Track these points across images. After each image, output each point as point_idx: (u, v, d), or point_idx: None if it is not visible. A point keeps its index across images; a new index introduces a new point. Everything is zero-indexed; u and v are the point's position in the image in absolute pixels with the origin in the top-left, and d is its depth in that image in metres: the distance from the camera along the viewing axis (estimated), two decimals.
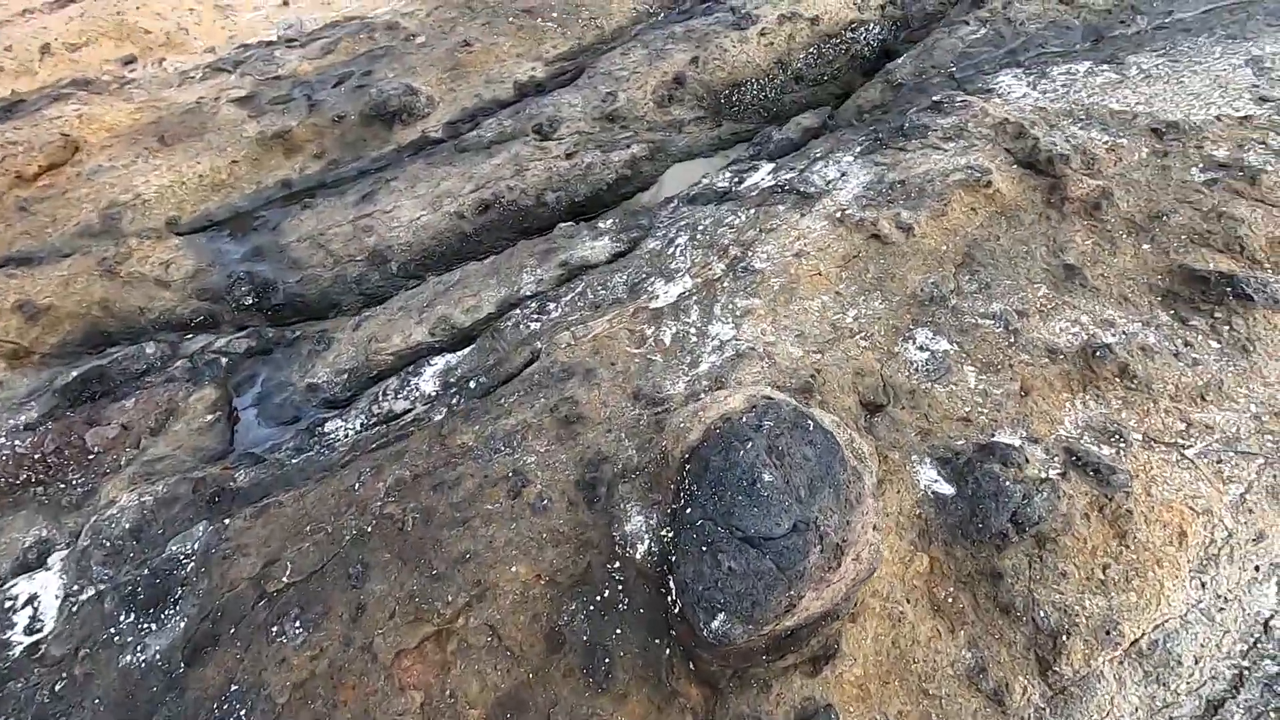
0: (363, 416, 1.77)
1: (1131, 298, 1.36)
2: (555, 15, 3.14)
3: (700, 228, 1.76)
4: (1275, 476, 1.14)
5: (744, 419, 1.09)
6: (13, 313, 2.47)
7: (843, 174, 1.66)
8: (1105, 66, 1.78)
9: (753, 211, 1.70)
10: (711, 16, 2.82)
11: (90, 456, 1.96)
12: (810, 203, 1.63)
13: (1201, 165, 1.46)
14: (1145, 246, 1.42)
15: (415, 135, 2.89)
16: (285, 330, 2.42)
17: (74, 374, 2.32)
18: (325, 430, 1.79)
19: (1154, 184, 1.49)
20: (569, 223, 2.22)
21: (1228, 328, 1.27)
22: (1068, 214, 1.49)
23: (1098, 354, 1.27)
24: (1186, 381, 1.23)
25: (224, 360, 2.33)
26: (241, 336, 2.38)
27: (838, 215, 1.59)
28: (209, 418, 1.98)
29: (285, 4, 3.86)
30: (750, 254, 1.59)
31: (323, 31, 3.51)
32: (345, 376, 1.94)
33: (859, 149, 1.77)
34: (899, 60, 2.19)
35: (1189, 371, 1.23)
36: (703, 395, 1.32)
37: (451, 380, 1.72)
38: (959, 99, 1.73)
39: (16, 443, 2.06)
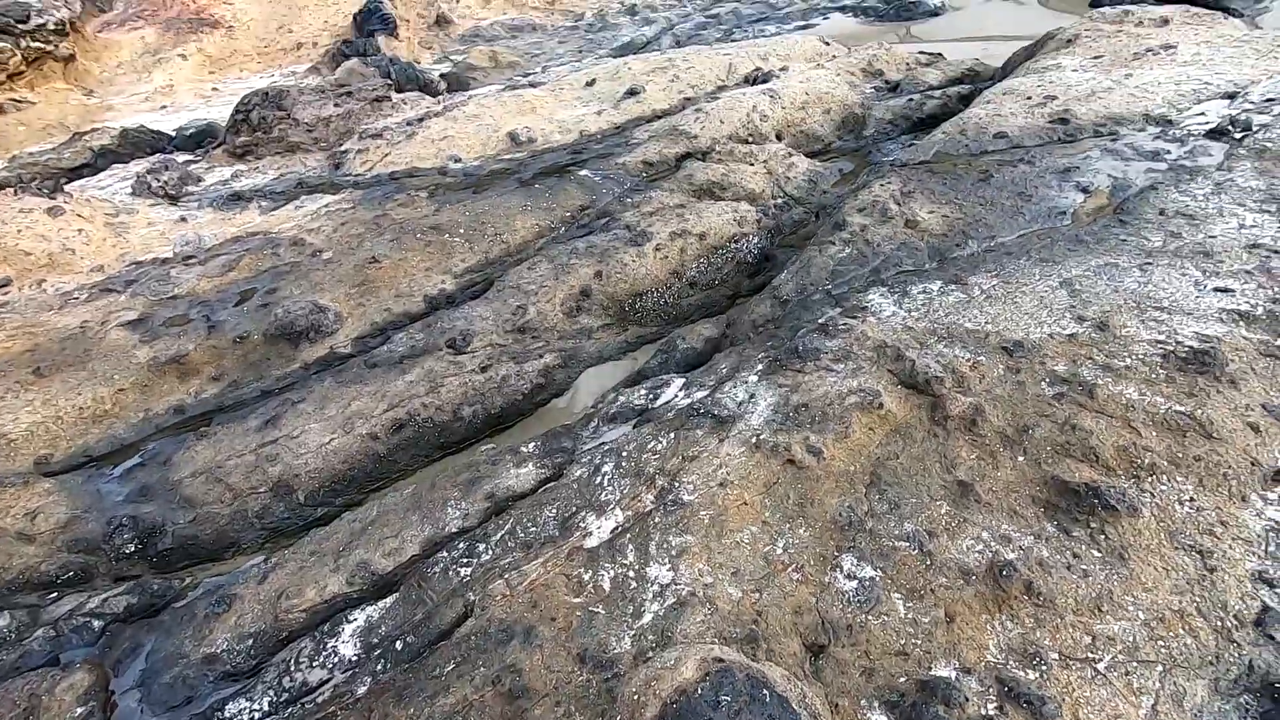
0: (271, 692, 1.59)
1: (1020, 511, 1.52)
2: (462, 231, 3.34)
3: (624, 453, 1.82)
4: (1175, 683, 1.25)
5: (699, 692, 1.09)
6: None
7: (751, 396, 1.80)
8: (953, 286, 2.08)
9: (673, 436, 1.79)
10: (610, 233, 3.10)
11: None
12: (726, 427, 1.74)
13: (1048, 380, 1.71)
14: (1020, 459, 1.61)
15: (323, 352, 2.88)
16: (174, 580, 2.19)
17: None
18: (226, 715, 1.58)
19: (1015, 399, 1.71)
20: (490, 445, 2.23)
21: (1104, 537, 1.44)
22: (951, 430, 1.67)
23: (1003, 572, 1.39)
24: (1083, 594, 1.35)
25: (97, 625, 2.06)
26: (120, 592, 2.13)
27: (753, 441, 1.70)
28: (79, 711, 1.71)
29: (183, 220, 3.88)
30: (677, 484, 1.66)
31: (223, 248, 3.53)
32: (250, 642, 1.76)
33: (760, 367, 1.94)
34: (782, 276, 2.47)
35: (1082, 584, 1.36)
36: (650, 654, 1.31)
37: (375, 641, 1.60)
38: (842, 322, 1.96)
39: None
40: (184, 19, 8.24)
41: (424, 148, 4.34)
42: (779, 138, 3.98)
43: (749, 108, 3.98)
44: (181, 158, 5.08)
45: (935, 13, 6.92)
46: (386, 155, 4.38)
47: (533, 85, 5.22)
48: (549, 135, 4.33)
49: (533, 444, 2.06)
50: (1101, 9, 4.19)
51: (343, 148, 4.62)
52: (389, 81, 5.47)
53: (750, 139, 3.87)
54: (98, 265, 3.47)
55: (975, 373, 1.74)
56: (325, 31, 8.56)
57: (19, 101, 6.18)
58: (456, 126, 4.49)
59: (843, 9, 7.82)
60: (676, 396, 2.02)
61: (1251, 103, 2.81)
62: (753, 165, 3.54)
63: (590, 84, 4.88)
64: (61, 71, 6.88)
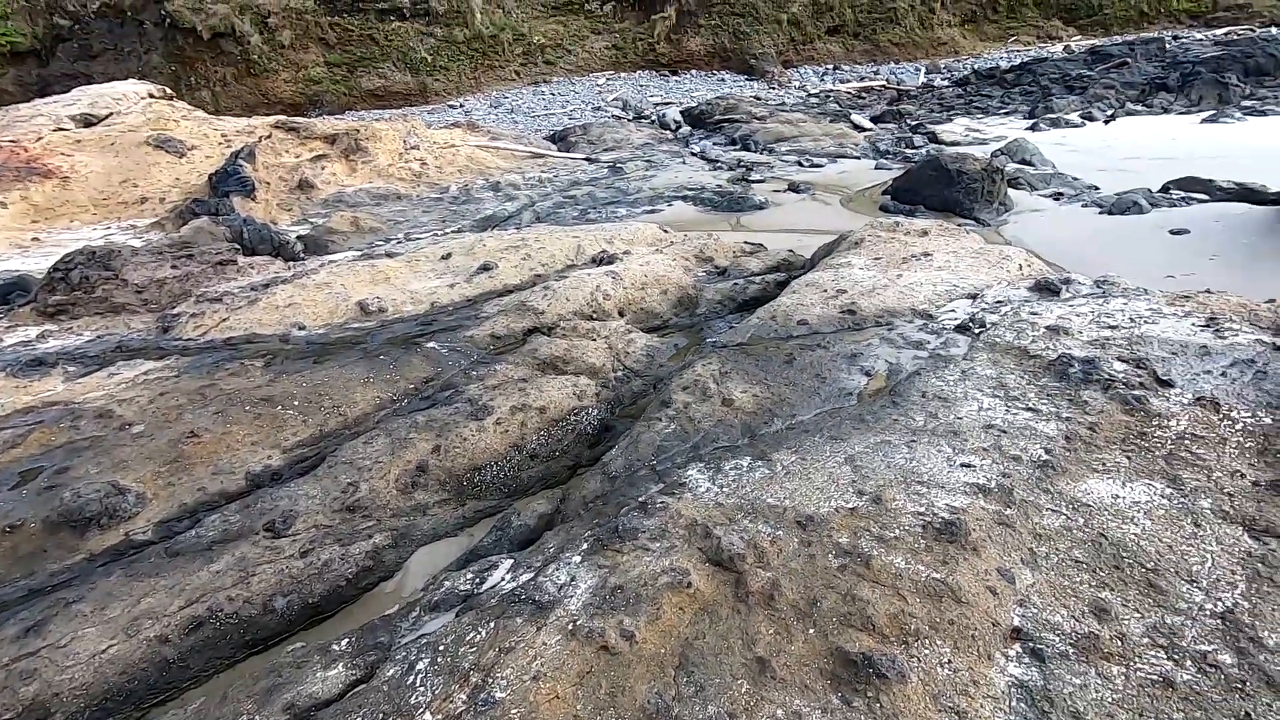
0: None
1: (810, 685, 1.63)
2: (297, 403, 3.26)
3: (441, 647, 1.78)
4: None
5: None
6: None
7: (572, 579, 1.85)
8: (760, 463, 2.31)
9: (492, 625, 1.77)
10: (451, 406, 3.16)
11: None
12: (545, 614, 1.76)
13: (834, 553, 1.91)
14: (811, 631, 1.75)
15: (116, 540, 2.60)
16: None
17: None
18: None
19: (807, 572, 1.89)
20: (300, 644, 2.07)
21: (879, 705, 1.57)
22: (752, 605, 1.80)
23: None
24: None
25: None
26: None
27: (569, 628, 1.73)
28: None
29: None
30: (490, 680, 1.63)
31: (10, 420, 3.19)
32: None
33: (585, 547, 2.00)
34: (613, 453, 2.61)
35: None
36: None
37: None
38: (660, 500, 2.10)
39: None
40: (11, 166, 7.83)
41: (267, 314, 4.28)
42: (621, 314, 4.34)
43: (593, 286, 4.35)
44: None
45: (761, 207, 8.05)
46: (224, 320, 4.26)
47: (389, 255, 5.40)
48: (400, 306, 4.44)
49: (345, 640, 1.95)
50: (881, 219, 5.12)
51: (174, 310, 4.45)
52: (235, 245, 5.44)
53: (594, 315, 4.19)
54: None
55: (774, 547, 1.92)
56: (175, 188, 8.44)
57: None
58: (305, 294, 4.49)
59: (684, 198, 8.90)
60: (503, 580, 2.03)
61: (986, 303, 3.48)
62: (595, 341, 3.81)
63: (446, 257, 5.13)
64: None
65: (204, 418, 3.15)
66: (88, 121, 9.14)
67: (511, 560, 2.16)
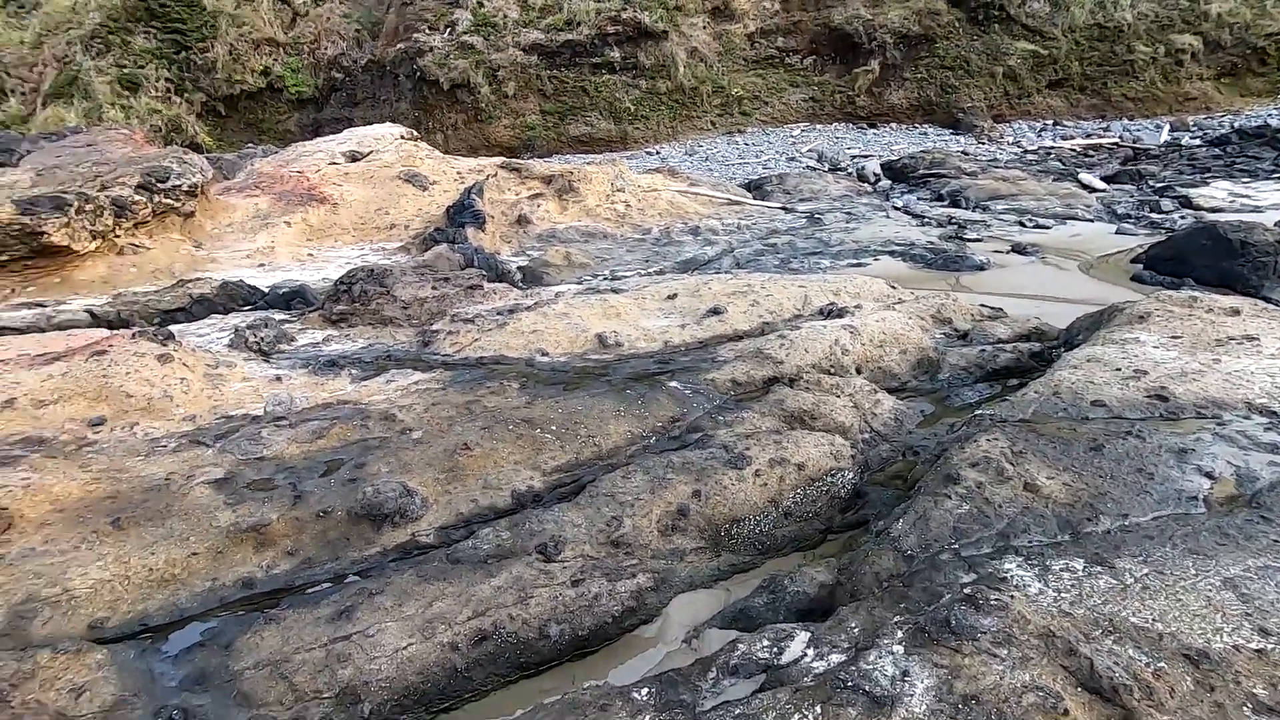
0: None
1: None
2: (554, 428, 3.37)
3: None
4: None
5: None
6: None
7: (904, 673, 1.65)
8: (1099, 569, 1.98)
9: (819, 710, 1.61)
10: (706, 450, 3.09)
11: None
12: (883, 710, 1.57)
13: (1250, 706, 1.56)
14: None
15: (404, 538, 2.78)
16: None
17: None
18: None
19: None
20: (592, 683, 2.05)
21: None
22: None
23: None
24: None
25: None
26: None
27: None
28: None
29: (278, 379, 3.98)
30: None
31: (314, 413, 3.58)
32: None
33: (903, 636, 1.80)
34: (900, 527, 2.39)
35: None
36: None
37: None
38: (991, 596, 1.85)
39: None
40: (296, 193, 9.18)
41: (514, 338, 4.55)
42: (858, 372, 4.12)
43: (831, 340, 4.17)
44: (278, 316, 5.36)
45: (981, 267, 7.46)
46: (476, 340, 4.59)
47: (615, 291, 5.58)
48: (634, 342, 4.53)
49: (646, 690, 1.88)
50: (1167, 291, 4.49)
51: (434, 327, 4.86)
52: (484, 273, 5.90)
53: (832, 370, 4.00)
54: (190, 415, 3.51)
55: (1162, 683, 1.60)
56: (418, 217, 9.45)
57: (137, 246, 6.72)
58: (547, 322, 4.73)
59: (892, 253, 8.50)
60: (806, 656, 1.87)
61: None
62: (839, 398, 3.62)
63: (672, 297, 5.20)
64: (179, 225, 7.55)
65: (472, 431, 3.34)
66: (354, 157, 10.55)
67: (808, 634, 2.00)
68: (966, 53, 16.39)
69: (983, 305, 5.40)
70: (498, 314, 4.94)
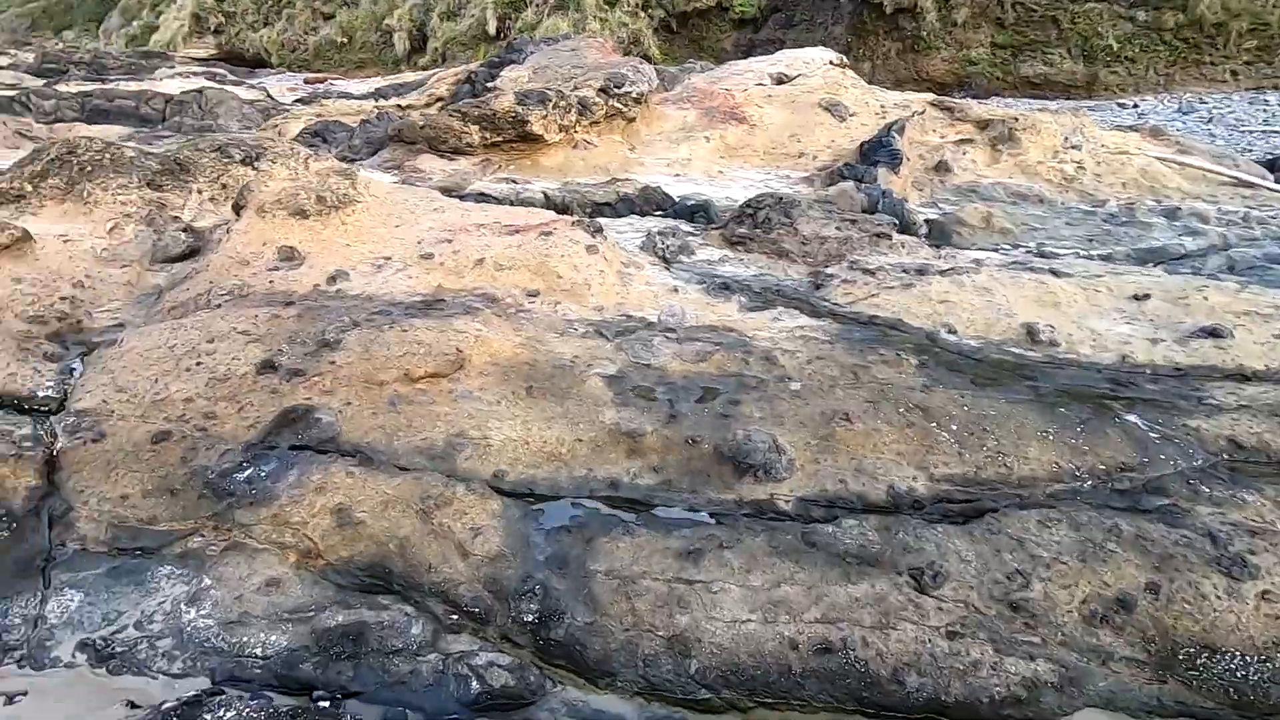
0: None
1: None
2: (954, 428, 2.79)
3: None
4: None
5: None
6: (329, 514, 2.42)
7: None
8: None
9: None
10: (1177, 530, 2.22)
11: None
12: None
13: None
14: None
15: (762, 496, 2.59)
16: (546, 678, 2.04)
17: (337, 621, 2.12)
18: None
19: None
20: None
21: None
22: None
23: None
24: None
25: (475, 688, 1.97)
26: (502, 665, 2.04)
27: None
28: None
29: (675, 290, 4.08)
30: None
31: (701, 333, 3.56)
32: None
33: None
34: None
35: None
36: None
37: None
38: None
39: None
40: (720, 110, 9.43)
41: (918, 304, 3.94)
42: None
43: None
44: (684, 227, 5.56)
45: None
46: (873, 296, 4.10)
47: (1055, 273, 4.49)
48: (1075, 344, 3.56)
49: None
50: None
51: (829, 270, 4.50)
52: (894, 221, 5.28)
53: None
54: (599, 306, 3.79)
55: None
56: (829, 149, 8.98)
57: (588, 143, 7.62)
58: (961, 294, 4.00)
59: None
60: None
61: None
62: None
63: (1141, 298, 3.96)
64: (622, 128, 8.35)
65: (855, 401, 2.95)
66: (780, 80, 10.41)
67: None
68: None
69: None
70: (903, 271, 4.35)
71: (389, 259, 4.05)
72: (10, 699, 1.97)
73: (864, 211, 6.07)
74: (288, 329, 3.31)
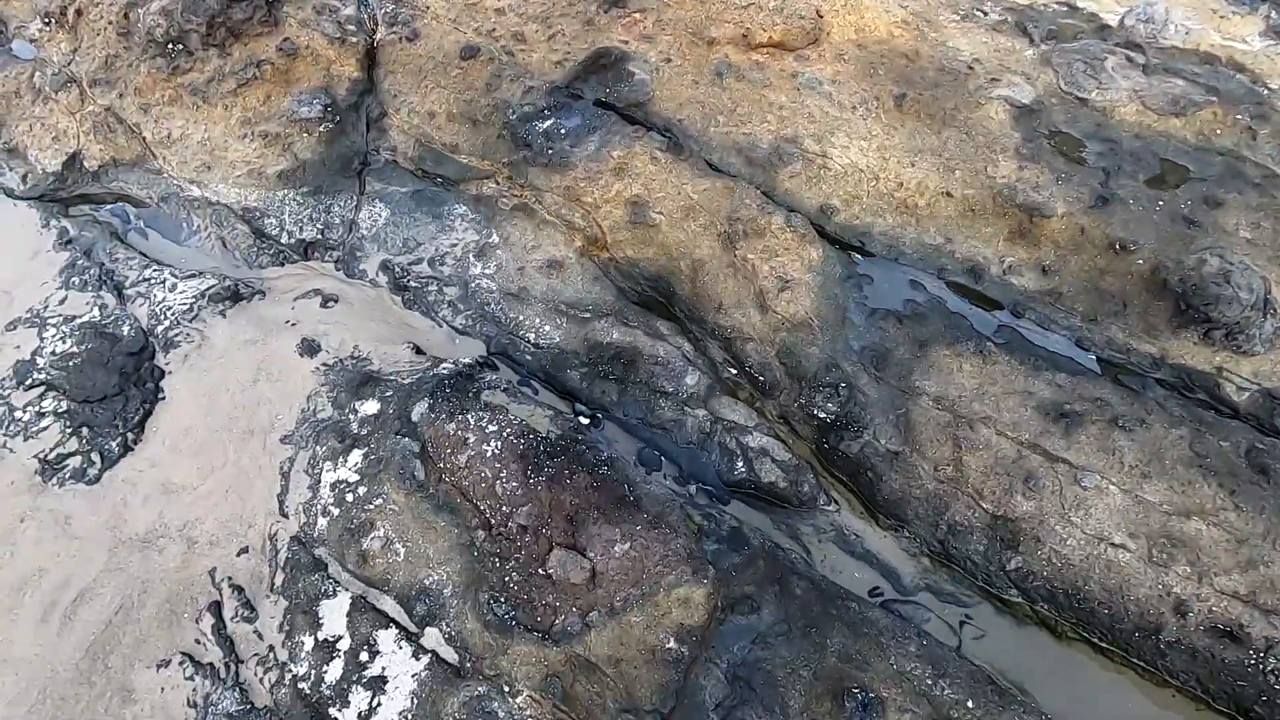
0: None
1: None
2: None
3: None
4: None
5: None
6: (624, 204, 2.03)
7: None
8: None
9: None
10: None
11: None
12: None
13: None
14: None
15: (1204, 366, 1.71)
16: (827, 490, 1.68)
17: (612, 338, 1.86)
18: None
19: None
20: None
21: None
22: None
23: None
24: None
25: (739, 467, 1.68)
26: (777, 458, 1.69)
27: None
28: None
29: None
30: None
31: (1186, 62, 2.27)
32: None
33: None
34: None
35: None
36: None
37: None
38: None
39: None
40: None
41: None
42: None
43: None
44: None
45: None
46: None
47: None
48: None
49: None
50: None
51: None
52: None
53: None
54: None
55: None
56: None
57: None
58: None
59: None
60: None
61: None
62: None
63: None
64: None
65: None
66: None
67: None
68: None
69: None
70: None
71: None
72: (325, 302, 2.07)
73: None
74: None
